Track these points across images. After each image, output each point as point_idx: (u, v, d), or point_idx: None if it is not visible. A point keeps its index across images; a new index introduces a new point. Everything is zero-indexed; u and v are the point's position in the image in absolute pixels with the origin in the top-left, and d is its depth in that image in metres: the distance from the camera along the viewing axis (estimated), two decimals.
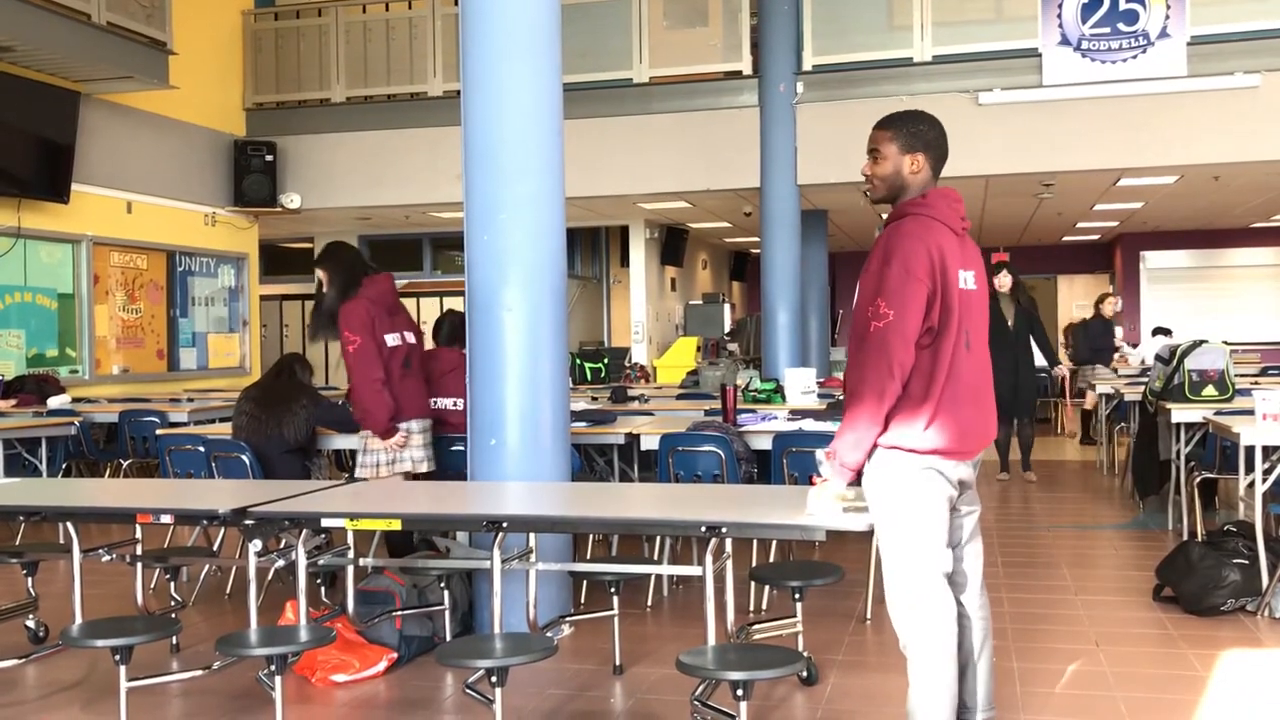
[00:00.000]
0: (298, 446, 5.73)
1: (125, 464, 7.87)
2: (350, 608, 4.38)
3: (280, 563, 4.21)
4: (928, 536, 3.08)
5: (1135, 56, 9.77)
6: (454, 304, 11.85)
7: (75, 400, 8.72)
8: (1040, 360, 14.02)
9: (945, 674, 3.06)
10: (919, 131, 3.23)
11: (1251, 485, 5.10)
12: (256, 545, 3.90)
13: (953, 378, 3.06)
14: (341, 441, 6.04)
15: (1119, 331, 12.23)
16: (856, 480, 3.15)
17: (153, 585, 5.68)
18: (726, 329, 15.73)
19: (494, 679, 3.17)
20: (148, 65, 9.70)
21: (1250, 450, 5.09)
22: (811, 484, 3.24)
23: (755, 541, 5.26)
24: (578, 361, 12.63)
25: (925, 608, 3.06)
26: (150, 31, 9.73)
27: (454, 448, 5.49)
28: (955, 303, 3.07)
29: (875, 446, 3.08)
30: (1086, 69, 9.88)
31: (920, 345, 3.04)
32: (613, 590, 4.28)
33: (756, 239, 11.65)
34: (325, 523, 3.80)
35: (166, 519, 4.01)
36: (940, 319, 3.05)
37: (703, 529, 3.38)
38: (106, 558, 4.49)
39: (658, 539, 5.64)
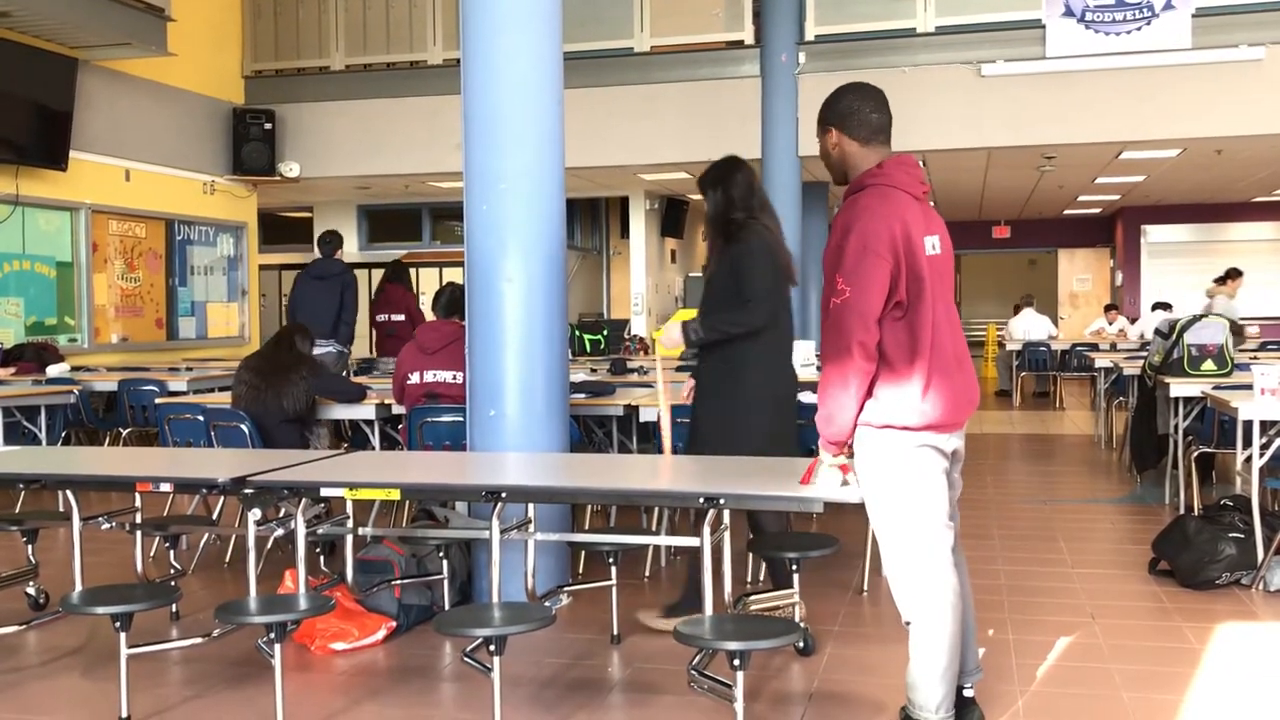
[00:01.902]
0: (297, 416, 5.74)
1: (124, 432, 7.88)
2: (349, 576, 4.40)
3: (279, 531, 4.22)
4: (930, 514, 3.07)
5: (1139, 28, 9.71)
6: (453, 275, 11.82)
7: (74, 369, 8.72)
8: (1037, 333, 14.01)
9: (949, 649, 3.06)
10: (826, 112, 3.21)
11: (1249, 460, 5.11)
12: (256, 514, 3.91)
13: (936, 348, 3.04)
14: (341, 411, 6.05)
15: None
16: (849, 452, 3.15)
17: (152, 553, 5.70)
18: None
19: (492, 648, 3.18)
20: (146, 32, 9.63)
21: (1248, 425, 5.10)
22: (809, 455, 3.24)
23: None
24: (577, 333, 12.63)
25: (931, 585, 3.06)
26: None
27: (451, 419, 5.48)
28: (925, 272, 3.03)
29: (867, 425, 3.07)
30: (1090, 41, 9.82)
31: (893, 319, 3.02)
32: (611, 561, 4.30)
33: None
34: (324, 492, 3.81)
35: (166, 487, 4.02)
36: (910, 291, 3.01)
37: (701, 500, 3.39)
38: (106, 526, 4.51)
39: (656, 510, 5.66)
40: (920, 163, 3.24)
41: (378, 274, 15.09)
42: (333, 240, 9.51)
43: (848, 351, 2.99)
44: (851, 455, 3.15)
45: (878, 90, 3.22)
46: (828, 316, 3.05)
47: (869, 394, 3.06)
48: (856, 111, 3.17)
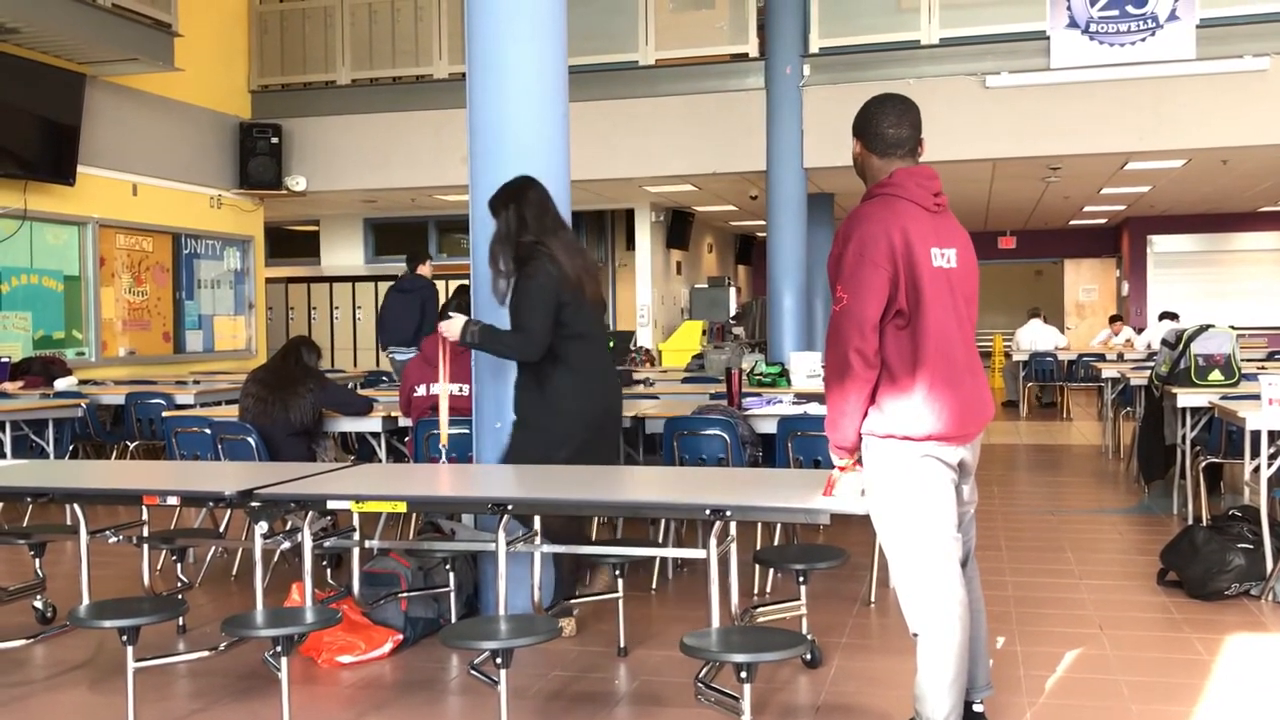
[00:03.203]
0: (303, 429, 5.74)
1: (132, 446, 7.90)
2: (356, 589, 4.40)
3: (286, 544, 4.22)
4: (935, 525, 3.06)
5: (1144, 39, 9.72)
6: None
7: (82, 382, 8.74)
8: (1044, 343, 13.99)
9: (956, 661, 3.05)
10: (855, 122, 3.23)
11: (1257, 470, 5.10)
12: (262, 527, 3.91)
13: (943, 358, 3.03)
14: (347, 424, 6.05)
15: None
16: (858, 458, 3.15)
17: (159, 566, 5.70)
18: (732, 312, 15.74)
19: (499, 660, 3.18)
20: (153, 47, 9.69)
21: (1256, 435, 5.09)
22: (816, 466, 3.25)
23: (759, 524, 5.27)
24: None
25: (938, 596, 3.05)
26: (155, 13, 9.72)
27: (457, 431, 5.48)
28: (926, 282, 3.02)
29: (870, 435, 3.07)
30: (1094, 52, 9.83)
31: (896, 328, 3.03)
32: (617, 573, 4.30)
33: (762, 222, 11.63)
34: (331, 505, 3.81)
35: (173, 500, 4.03)
36: (910, 300, 3.01)
37: (707, 512, 3.39)
38: (113, 539, 4.52)
39: (662, 522, 5.65)
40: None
41: (384, 287, 15.24)
42: (417, 255, 10.02)
43: (845, 359, 3.00)
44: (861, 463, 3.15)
45: (903, 105, 3.20)
46: (829, 325, 3.08)
47: (873, 403, 3.06)
48: (874, 125, 3.18)
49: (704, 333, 14.29)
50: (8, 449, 6.79)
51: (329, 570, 5.27)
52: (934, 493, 3.07)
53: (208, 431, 5.78)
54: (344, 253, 15.99)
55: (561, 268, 4.37)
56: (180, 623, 4.65)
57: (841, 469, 3.17)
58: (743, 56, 10.92)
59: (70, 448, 7.67)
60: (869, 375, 3.02)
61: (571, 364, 4.40)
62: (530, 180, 4.51)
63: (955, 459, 3.11)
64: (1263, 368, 8.22)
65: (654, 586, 5.32)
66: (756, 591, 5.06)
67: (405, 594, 4.50)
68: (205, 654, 4.08)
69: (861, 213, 3.09)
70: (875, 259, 2.98)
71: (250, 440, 5.58)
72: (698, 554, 3.71)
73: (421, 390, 5.71)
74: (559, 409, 4.41)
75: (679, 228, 15.73)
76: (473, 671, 3.52)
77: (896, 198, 3.09)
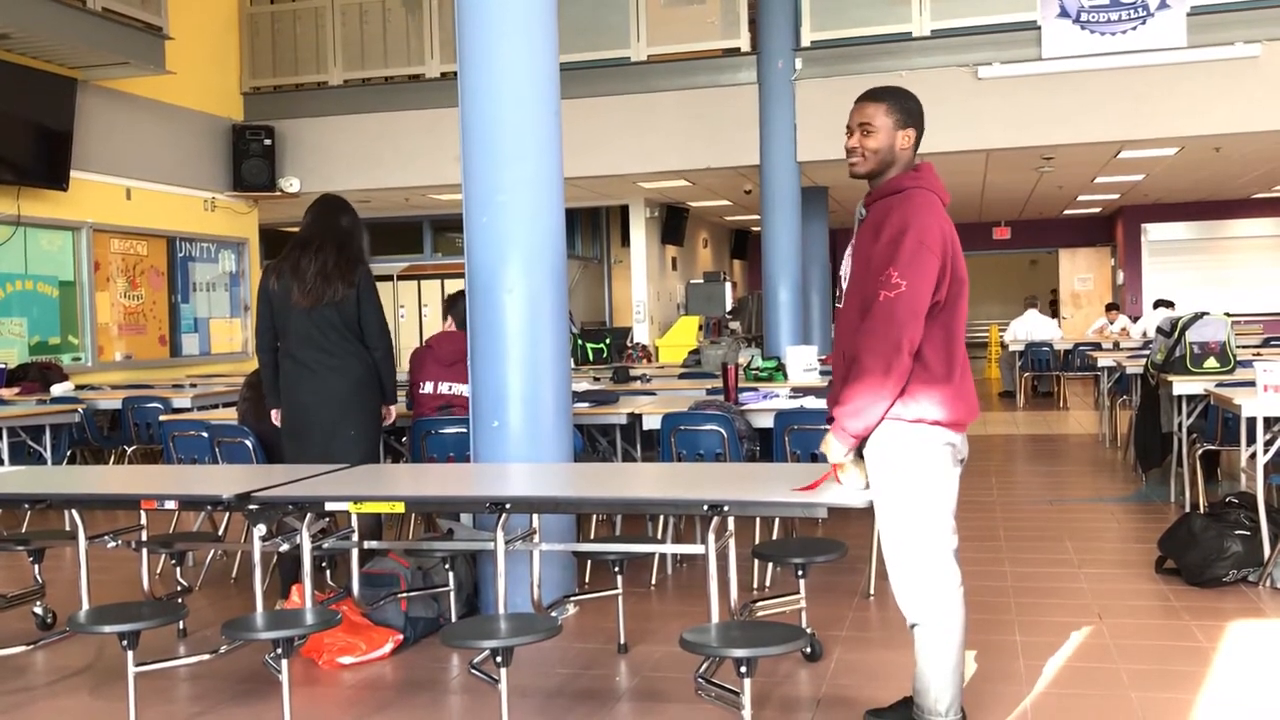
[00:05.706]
0: None
1: (129, 450, 7.89)
2: (355, 590, 4.40)
3: (285, 547, 4.22)
4: (946, 511, 3.09)
5: (1135, 28, 9.72)
6: (456, 287, 11.89)
7: (78, 387, 8.73)
8: (1039, 333, 13.99)
9: (957, 650, 3.07)
10: (910, 108, 3.23)
11: (1253, 457, 5.11)
12: (260, 529, 3.91)
13: (962, 348, 3.10)
14: None
15: None
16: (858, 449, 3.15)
17: (158, 570, 5.71)
18: (728, 307, 15.74)
19: (499, 659, 3.18)
20: (144, 51, 9.67)
21: (1251, 422, 5.10)
22: (813, 460, 3.25)
23: (758, 519, 5.27)
24: (579, 342, 12.64)
25: (940, 585, 3.07)
26: (146, 16, 9.70)
27: (455, 430, 5.48)
28: (964, 274, 3.09)
29: (898, 420, 3.05)
30: (1086, 41, 9.83)
31: (930, 317, 3.03)
32: (616, 570, 4.30)
33: (757, 217, 11.63)
34: (329, 506, 3.81)
35: (171, 505, 4.03)
36: (949, 292, 3.05)
37: (705, 507, 3.39)
38: (112, 544, 4.51)
39: (660, 518, 5.66)
40: None
41: (383, 286, 15.24)
42: None
43: (896, 346, 2.96)
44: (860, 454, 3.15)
45: None
46: (873, 309, 2.99)
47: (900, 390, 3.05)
48: (924, 124, 3.24)
49: (700, 328, 14.31)
50: (5, 455, 6.78)
51: (328, 572, 5.28)
52: (947, 479, 3.10)
53: (205, 435, 5.77)
54: None
55: (269, 277, 4.97)
56: (180, 626, 4.65)
57: (836, 465, 3.16)
58: (735, 51, 10.91)
59: (68, 453, 7.66)
60: (910, 365, 3.00)
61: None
62: (326, 202, 5.12)
63: (964, 451, 3.17)
64: (1258, 354, 8.23)
65: (653, 583, 5.32)
66: (756, 586, 5.07)
67: (405, 594, 4.51)
68: (206, 657, 4.08)
69: (914, 202, 3.07)
70: (933, 246, 2.99)
71: (248, 443, 5.57)
72: (696, 550, 3.72)
73: (429, 388, 5.67)
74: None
75: (674, 223, 15.74)
76: (473, 670, 3.53)
77: (931, 192, 3.13)
